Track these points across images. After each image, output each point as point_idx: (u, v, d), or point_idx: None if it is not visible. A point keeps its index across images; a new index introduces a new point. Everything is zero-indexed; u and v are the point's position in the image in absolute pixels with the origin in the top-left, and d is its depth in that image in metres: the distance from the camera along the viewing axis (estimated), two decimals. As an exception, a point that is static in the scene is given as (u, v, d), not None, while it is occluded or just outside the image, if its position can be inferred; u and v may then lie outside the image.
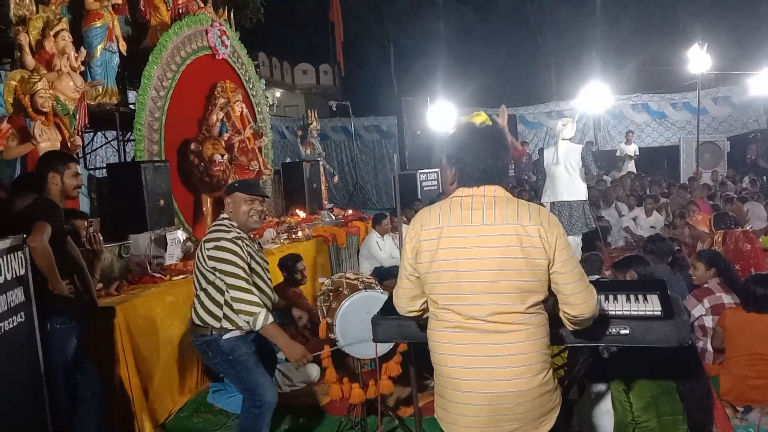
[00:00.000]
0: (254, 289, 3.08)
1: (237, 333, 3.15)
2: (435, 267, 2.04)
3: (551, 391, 2.04)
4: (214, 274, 3.10)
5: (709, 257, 4.62)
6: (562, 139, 6.78)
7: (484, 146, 2.07)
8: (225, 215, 3.26)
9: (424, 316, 2.24)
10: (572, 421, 3.16)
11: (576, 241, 6.73)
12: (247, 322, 3.07)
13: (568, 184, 6.70)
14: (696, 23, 19.18)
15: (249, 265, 3.14)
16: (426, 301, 2.18)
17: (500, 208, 1.98)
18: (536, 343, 1.99)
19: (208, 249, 3.10)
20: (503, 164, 2.08)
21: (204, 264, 3.13)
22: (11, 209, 3.30)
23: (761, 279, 3.96)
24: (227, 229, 3.16)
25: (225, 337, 3.14)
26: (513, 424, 2.00)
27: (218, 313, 3.13)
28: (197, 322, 3.18)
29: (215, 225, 3.24)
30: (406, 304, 2.21)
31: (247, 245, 3.18)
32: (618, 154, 13.76)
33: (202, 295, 3.16)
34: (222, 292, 3.10)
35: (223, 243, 3.08)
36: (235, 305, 3.06)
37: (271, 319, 3.08)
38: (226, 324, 3.12)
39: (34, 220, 3.05)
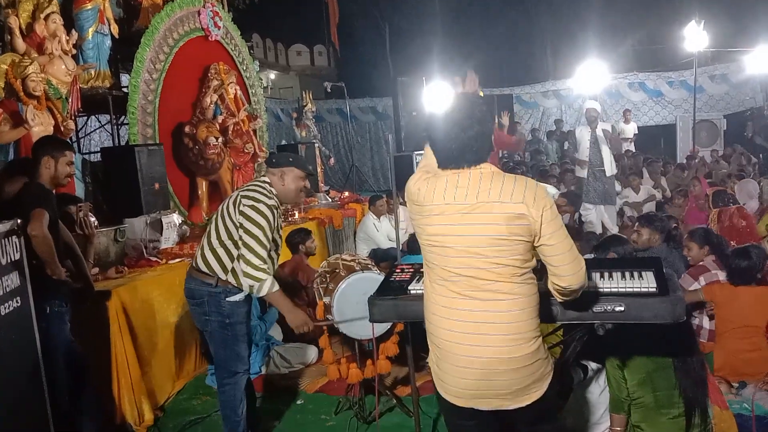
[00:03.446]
0: (267, 260, 3.07)
1: (240, 297, 3.15)
2: (425, 240, 2.10)
3: (541, 360, 2.06)
4: (237, 230, 3.06)
5: (700, 235, 4.64)
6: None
7: (449, 128, 2.04)
8: (266, 179, 3.21)
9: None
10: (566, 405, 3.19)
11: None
12: (251, 287, 3.05)
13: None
14: (693, 1, 19.04)
15: (272, 235, 3.13)
16: None
17: (485, 186, 1.99)
18: (524, 312, 2.01)
19: (243, 204, 3.06)
20: (474, 135, 2.01)
21: (232, 216, 3.08)
22: (1, 194, 3.28)
23: (742, 252, 4.00)
24: (268, 194, 3.12)
25: (228, 299, 3.14)
26: (503, 390, 2.04)
27: (228, 265, 3.12)
28: (203, 268, 3.15)
29: (257, 184, 3.18)
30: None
31: (278, 217, 3.17)
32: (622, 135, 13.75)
33: (216, 243, 3.13)
34: (238, 247, 3.08)
35: (261, 206, 3.05)
36: (245, 267, 3.03)
37: (277, 286, 3.09)
38: (231, 279, 3.12)
39: (31, 207, 3.03)
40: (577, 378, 3.18)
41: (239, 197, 3.11)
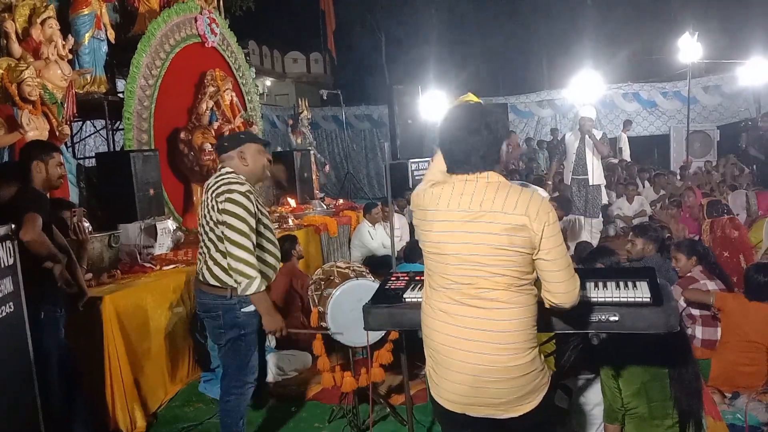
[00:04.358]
0: (255, 253, 2.98)
1: (253, 306, 3.09)
2: (426, 247, 2.11)
3: (537, 371, 2.05)
4: (220, 227, 2.97)
5: (687, 246, 4.66)
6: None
7: (457, 132, 2.04)
8: (228, 168, 3.11)
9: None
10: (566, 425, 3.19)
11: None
12: (239, 284, 2.96)
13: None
14: (687, 12, 19.21)
15: (258, 219, 3.06)
16: None
17: (489, 195, 1.98)
18: (521, 321, 2.00)
19: (220, 202, 2.97)
20: (481, 140, 2.01)
21: (215, 217, 3.00)
22: None
23: (762, 267, 3.98)
24: (238, 181, 3.02)
25: (244, 309, 3.09)
26: (496, 399, 2.03)
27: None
28: (212, 281, 3.07)
29: (223, 178, 3.06)
30: None
31: (256, 199, 3.08)
32: (621, 144, 13.87)
33: (217, 256, 3.04)
34: (223, 241, 2.99)
35: (235, 196, 2.96)
36: (233, 263, 2.94)
37: (264, 286, 3.01)
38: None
39: (23, 211, 3.02)
40: (564, 404, 3.18)
41: (213, 199, 3.02)
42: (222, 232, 2.98)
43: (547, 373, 2.13)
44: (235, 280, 2.98)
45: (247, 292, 2.98)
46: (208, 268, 3.10)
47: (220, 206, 2.98)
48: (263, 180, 3.26)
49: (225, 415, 3.26)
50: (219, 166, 3.21)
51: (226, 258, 3.01)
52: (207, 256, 3.12)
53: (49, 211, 3.23)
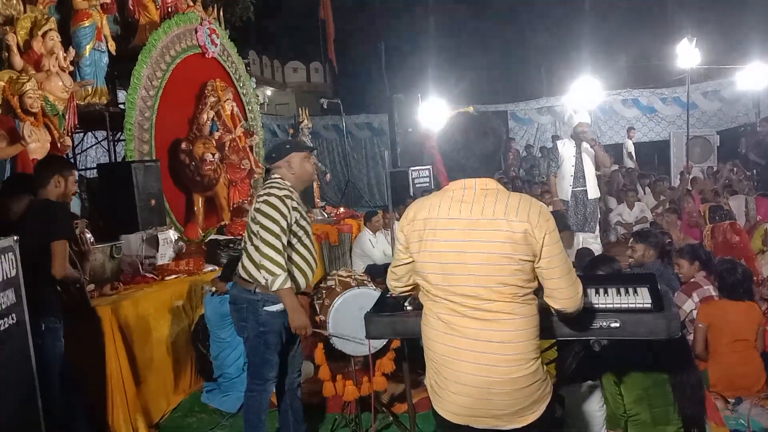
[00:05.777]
0: (283, 253, 3.10)
1: (278, 307, 3.17)
2: (423, 257, 2.08)
3: (540, 381, 2.04)
4: (255, 225, 3.14)
5: (689, 252, 4.66)
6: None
7: (461, 136, 2.07)
8: (277, 175, 3.29)
9: (414, 292, 2.29)
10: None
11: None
12: (266, 280, 3.09)
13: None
14: (685, 18, 19.25)
15: (297, 222, 3.19)
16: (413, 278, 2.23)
17: (489, 202, 1.99)
18: (524, 332, 2.00)
19: (258, 202, 3.17)
20: (484, 152, 2.04)
21: (252, 214, 3.19)
22: (7, 212, 3.31)
23: (730, 268, 4.05)
24: (279, 186, 3.21)
25: (266, 308, 3.17)
26: (499, 410, 2.02)
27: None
28: (243, 275, 3.23)
29: (269, 182, 3.28)
30: (396, 279, 2.28)
31: (296, 205, 3.22)
32: (630, 150, 13.91)
33: (251, 249, 3.18)
34: (255, 242, 3.15)
35: (272, 199, 3.13)
36: (261, 260, 3.09)
37: (289, 284, 3.10)
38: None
39: (51, 238, 3.12)
40: (558, 412, 3.17)
41: (255, 199, 3.23)
42: (256, 231, 3.13)
43: (550, 382, 2.12)
44: (263, 277, 3.10)
45: (272, 288, 3.09)
46: (242, 262, 3.27)
47: (256, 206, 3.17)
48: (307, 183, 3.53)
49: (247, 411, 3.35)
50: (271, 172, 3.42)
51: (256, 253, 3.14)
52: (244, 250, 3.28)
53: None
